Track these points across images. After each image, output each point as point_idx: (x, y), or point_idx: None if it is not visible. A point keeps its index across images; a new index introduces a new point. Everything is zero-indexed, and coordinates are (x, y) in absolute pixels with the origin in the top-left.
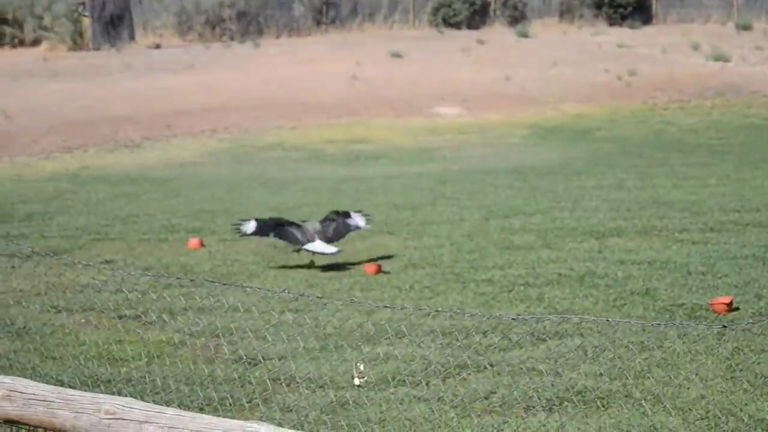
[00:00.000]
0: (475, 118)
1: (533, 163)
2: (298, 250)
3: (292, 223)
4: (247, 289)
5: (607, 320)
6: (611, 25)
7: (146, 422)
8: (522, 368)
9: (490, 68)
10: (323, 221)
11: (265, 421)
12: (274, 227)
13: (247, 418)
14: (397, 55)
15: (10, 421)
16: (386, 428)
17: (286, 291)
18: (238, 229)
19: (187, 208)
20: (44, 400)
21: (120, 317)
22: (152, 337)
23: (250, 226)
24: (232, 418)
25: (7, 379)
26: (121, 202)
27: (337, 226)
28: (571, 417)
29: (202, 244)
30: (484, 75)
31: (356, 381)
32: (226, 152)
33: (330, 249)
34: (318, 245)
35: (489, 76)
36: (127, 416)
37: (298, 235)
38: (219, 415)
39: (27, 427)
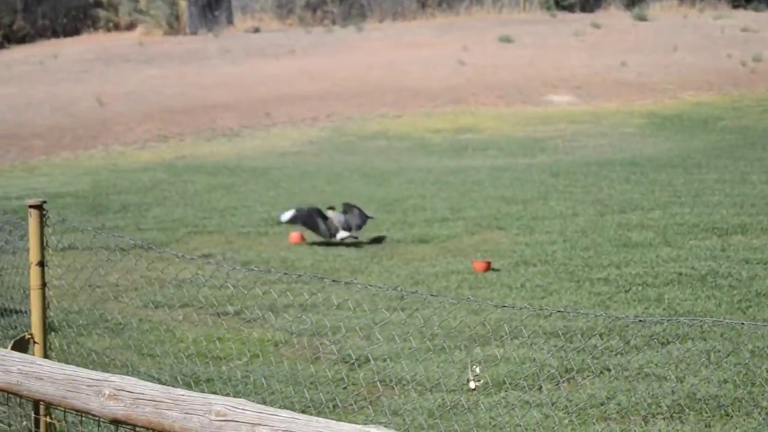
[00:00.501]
0: (589, 106)
1: (651, 155)
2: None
3: (321, 215)
4: (357, 285)
5: (742, 323)
6: (735, 7)
7: (259, 425)
8: (641, 373)
9: (605, 53)
10: (345, 212)
11: (383, 425)
12: (307, 217)
13: (351, 421)
14: (506, 39)
15: (116, 422)
16: None
17: (398, 288)
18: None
19: (287, 199)
20: (153, 400)
21: (219, 314)
22: (253, 335)
23: (287, 215)
24: (339, 421)
25: (115, 378)
26: (219, 193)
27: (359, 217)
28: (693, 426)
29: (302, 239)
30: (598, 61)
31: (471, 384)
32: (328, 141)
33: (352, 233)
34: (342, 234)
35: (604, 62)
36: (239, 418)
37: (323, 227)
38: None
39: (134, 428)
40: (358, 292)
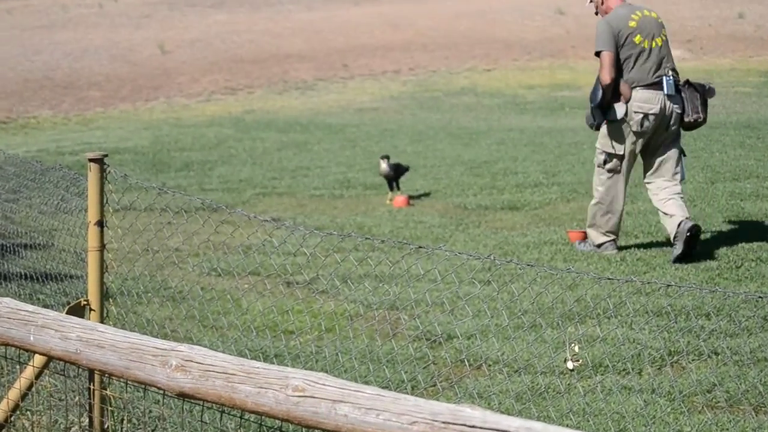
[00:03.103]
0: (701, 62)
1: None
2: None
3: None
4: (446, 252)
5: None
6: None
7: (341, 402)
8: (753, 358)
9: (721, 3)
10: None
11: (478, 406)
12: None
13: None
14: None
15: (183, 395)
16: (591, 422)
17: (491, 257)
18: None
19: (364, 160)
20: (224, 373)
21: (290, 284)
22: (327, 308)
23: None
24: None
25: (183, 347)
26: (290, 151)
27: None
28: None
29: (408, 203)
30: (713, 12)
31: (569, 364)
32: (411, 97)
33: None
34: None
35: (719, 13)
36: (319, 394)
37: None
38: None
39: (202, 402)
40: (442, 262)
